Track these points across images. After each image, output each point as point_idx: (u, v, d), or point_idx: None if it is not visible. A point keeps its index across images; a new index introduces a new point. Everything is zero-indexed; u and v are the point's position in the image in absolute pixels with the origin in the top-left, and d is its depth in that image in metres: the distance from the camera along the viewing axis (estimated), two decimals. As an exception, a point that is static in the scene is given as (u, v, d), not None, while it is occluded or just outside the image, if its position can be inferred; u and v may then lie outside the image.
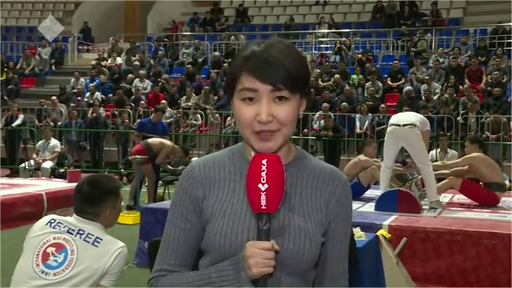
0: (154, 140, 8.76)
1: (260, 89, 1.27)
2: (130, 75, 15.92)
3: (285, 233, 1.32)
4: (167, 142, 8.91)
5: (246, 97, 1.29)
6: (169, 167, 9.06)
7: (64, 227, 2.44)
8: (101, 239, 2.42)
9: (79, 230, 2.43)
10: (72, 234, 2.42)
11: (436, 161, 9.62)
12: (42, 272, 2.35)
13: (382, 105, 13.12)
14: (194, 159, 8.55)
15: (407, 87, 13.40)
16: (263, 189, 1.22)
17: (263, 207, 1.23)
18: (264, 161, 1.24)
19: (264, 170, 1.23)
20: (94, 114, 13.59)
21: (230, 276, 1.28)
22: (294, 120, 1.32)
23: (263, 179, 1.23)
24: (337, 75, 14.53)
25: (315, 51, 17.01)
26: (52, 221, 2.47)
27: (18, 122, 13.66)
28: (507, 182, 9.75)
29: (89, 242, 2.40)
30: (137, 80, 15.63)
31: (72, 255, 2.37)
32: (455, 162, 6.51)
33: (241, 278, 1.26)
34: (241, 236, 1.31)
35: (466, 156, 6.38)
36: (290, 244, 1.31)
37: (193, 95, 14.66)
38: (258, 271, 1.23)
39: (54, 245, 2.39)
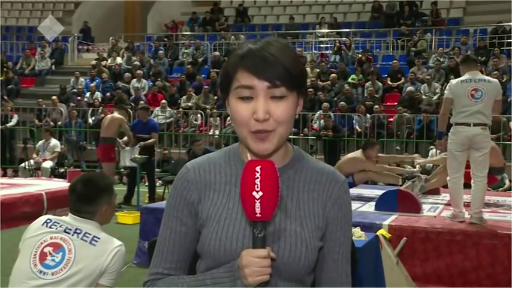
0: (102, 129, 8.58)
1: (257, 85, 1.24)
2: (129, 74, 15.91)
3: (281, 239, 1.28)
4: (108, 117, 8.71)
5: (243, 95, 1.25)
6: (122, 144, 8.86)
7: (61, 227, 2.42)
8: (99, 238, 2.41)
9: (76, 229, 2.42)
10: (69, 233, 2.41)
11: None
12: (40, 271, 2.33)
13: (380, 105, 13.11)
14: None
15: (409, 88, 13.38)
16: (257, 196, 1.18)
17: (258, 215, 1.19)
18: (258, 168, 1.19)
19: (258, 177, 1.19)
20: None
21: (225, 285, 1.25)
22: (291, 120, 1.28)
23: (257, 187, 1.18)
24: (333, 75, 14.51)
25: (315, 51, 16.99)
26: (48, 221, 2.46)
27: (12, 123, 13.58)
28: (507, 182, 9.77)
29: (86, 241, 2.39)
30: (136, 79, 15.60)
31: (69, 254, 2.35)
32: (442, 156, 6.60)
33: None
34: (236, 242, 1.28)
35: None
36: (286, 251, 1.28)
37: (193, 95, 14.66)
38: (254, 280, 1.20)
39: (51, 245, 2.38)
